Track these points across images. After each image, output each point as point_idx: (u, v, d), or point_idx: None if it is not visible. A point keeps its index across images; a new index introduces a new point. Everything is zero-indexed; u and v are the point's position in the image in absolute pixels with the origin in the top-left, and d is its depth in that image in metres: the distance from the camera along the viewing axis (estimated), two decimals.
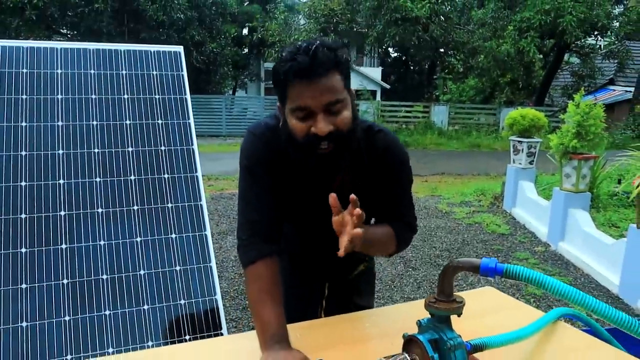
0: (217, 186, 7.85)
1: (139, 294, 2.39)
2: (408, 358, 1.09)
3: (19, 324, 2.20)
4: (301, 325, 1.48)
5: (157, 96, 2.89)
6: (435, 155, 12.38)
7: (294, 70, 1.19)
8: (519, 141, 6.32)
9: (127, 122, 2.76)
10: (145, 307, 2.38)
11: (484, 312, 1.60)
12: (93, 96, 2.77)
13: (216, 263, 2.59)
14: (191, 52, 16.36)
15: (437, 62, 21.74)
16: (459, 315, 1.13)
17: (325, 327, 1.26)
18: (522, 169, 6.38)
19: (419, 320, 1.17)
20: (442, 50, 19.42)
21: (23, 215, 2.39)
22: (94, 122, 2.70)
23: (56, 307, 2.27)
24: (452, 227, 5.65)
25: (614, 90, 18.80)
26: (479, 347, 1.18)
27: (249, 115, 17.57)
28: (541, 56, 16.96)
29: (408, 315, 1.54)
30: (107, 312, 2.32)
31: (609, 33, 16.52)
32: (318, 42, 1.22)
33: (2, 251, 2.30)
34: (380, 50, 22.76)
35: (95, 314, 2.31)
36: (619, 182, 6.81)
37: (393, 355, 1.10)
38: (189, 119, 2.87)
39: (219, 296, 2.48)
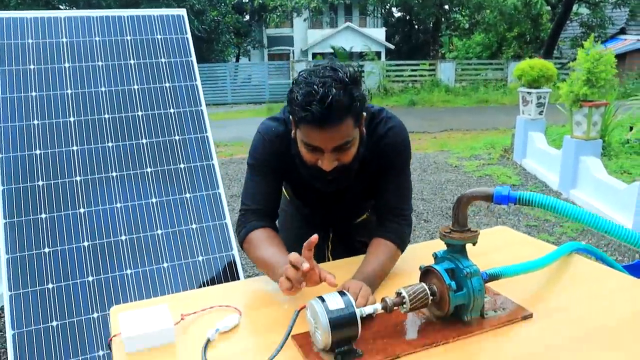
0: (226, 152, 7.88)
1: (157, 253, 2.45)
2: (426, 287, 1.12)
3: (46, 286, 2.27)
4: None
5: (163, 60, 2.89)
6: (442, 112, 12.29)
7: (308, 119, 1.20)
8: (528, 92, 6.26)
9: (135, 87, 2.77)
10: (165, 264, 2.44)
11: (497, 248, 1.63)
12: (100, 63, 2.78)
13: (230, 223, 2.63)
14: (192, 21, 16.18)
15: (441, 19, 21.35)
16: (473, 244, 1.16)
17: (335, 269, 1.29)
18: (531, 120, 6.34)
19: (434, 253, 1.20)
20: (446, 6, 19.07)
21: (40, 183, 2.43)
22: (102, 89, 2.71)
23: (79, 268, 2.34)
24: (463, 180, 5.66)
25: (625, 39, 18.40)
26: (494, 276, 1.21)
27: (253, 82, 17.47)
28: (549, 8, 16.60)
29: (419, 255, 1.57)
30: (129, 271, 2.38)
31: None
32: (334, 86, 1.18)
33: (24, 218, 2.36)
34: (383, 10, 22.40)
35: (117, 273, 2.37)
36: (631, 129, 6.75)
37: (411, 285, 1.13)
38: (195, 80, 2.88)
39: (235, 251, 2.53)
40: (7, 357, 2.15)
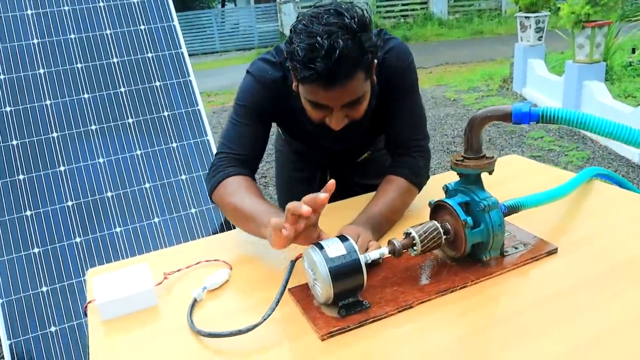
0: (217, 101, 7.64)
1: (147, 208, 2.31)
2: (438, 225, 0.98)
3: (31, 251, 2.14)
4: None
5: (135, 0, 2.66)
6: (437, 46, 11.93)
7: (312, 79, 1.01)
8: (525, 17, 5.97)
9: (108, 31, 2.55)
10: (156, 219, 2.31)
11: (511, 177, 1.49)
12: (66, 8, 2.56)
13: None
14: None
15: None
16: (490, 173, 1.01)
17: (331, 212, 1.15)
18: (530, 47, 6.08)
19: (445, 185, 1.06)
20: None
21: (14, 142, 2.27)
22: (72, 36, 2.50)
23: (65, 230, 2.21)
24: (462, 114, 5.48)
25: None
26: (514, 209, 1.07)
27: (241, 29, 16.91)
28: None
29: (428, 191, 1.43)
30: (118, 229, 2.25)
31: None
32: (340, 36, 0.98)
33: (0, 180, 2.21)
34: None
35: (106, 232, 2.24)
36: (633, 51, 6.50)
37: (421, 224, 0.99)
38: (172, 21, 2.66)
39: None
40: None
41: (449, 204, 0.99)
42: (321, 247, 0.89)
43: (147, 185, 2.35)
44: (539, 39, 6.05)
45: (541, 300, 0.92)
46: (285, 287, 0.92)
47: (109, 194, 2.30)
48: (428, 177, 1.33)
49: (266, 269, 1.11)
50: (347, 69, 1.00)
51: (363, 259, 0.90)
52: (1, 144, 2.25)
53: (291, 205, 0.91)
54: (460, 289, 0.96)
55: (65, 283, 2.14)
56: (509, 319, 0.88)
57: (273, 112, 1.27)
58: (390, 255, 0.96)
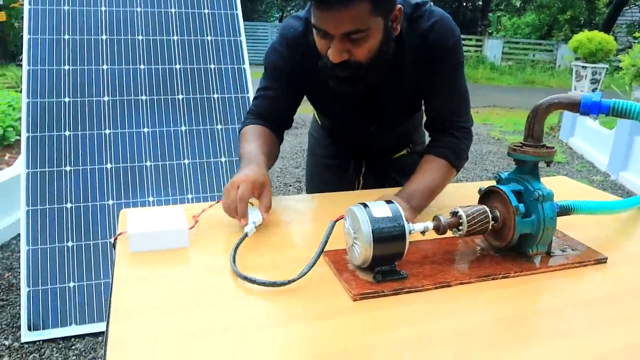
0: None
1: (182, 183, 2.32)
2: (487, 210, 0.94)
3: (64, 205, 2.17)
4: (335, 195, 1.36)
5: None
6: (486, 88, 11.86)
7: None
8: (582, 66, 5.89)
9: (173, 10, 2.61)
10: (189, 196, 2.31)
11: (559, 197, 1.43)
12: None
13: None
14: None
15: None
16: (548, 164, 0.97)
17: (363, 199, 1.13)
18: None
19: (497, 173, 1.02)
20: None
21: (67, 99, 2.32)
22: (138, 9, 2.56)
23: (100, 190, 2.23)
24: (504, 153, 5.40)
25: None
26: (566, 209, 1.03)
27: None
28: None
29: (465, 192, 1.39)
30: (151, 199, 2.26)
31: None
32: None
33: (47, 133, 2.25)
34: None
35: (139, 200, 2.25)
36: None
37: (469, 205, 0.95)
38: (236, 10, 2.70)
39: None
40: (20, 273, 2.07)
41: (501, 190, 0.95)
42: (366, 206, 0.86)
43: (186, 161, 2.36)
44: (594, 90, 5.94)
45: (584, 303, 0.87)
46: (324, 245, 0.89)
47: (148, 163, 2.31)
48: (467, 159, 1.29)
49: (301, 232, 1.09)
50: None
51: (407, 227, 0.86)
52: (54, 99, 2.30)
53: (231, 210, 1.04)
54: (501, 277, 0.91)
55: (91, 242, 2.15)
56: (548, 315, 0.83)
57: (295, 72, 1.24)
58: (434, 230, 0.92)
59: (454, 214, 0.94)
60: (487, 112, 8.43)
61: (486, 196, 1.00)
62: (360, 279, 0.87)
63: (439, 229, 0.92)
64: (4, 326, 2.14)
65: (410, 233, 0.87)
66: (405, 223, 0.86)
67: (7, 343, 2.03)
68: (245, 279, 0.86)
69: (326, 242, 0.89)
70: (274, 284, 0.84)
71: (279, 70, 1.25)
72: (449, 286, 0.88)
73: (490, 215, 0.94)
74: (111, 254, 2.17)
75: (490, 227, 0.94)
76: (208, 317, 0.77)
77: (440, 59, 1.19)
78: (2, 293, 2.36)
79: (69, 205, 2.17)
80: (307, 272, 0.86)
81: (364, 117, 1.34)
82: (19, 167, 3.12)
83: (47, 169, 2.20)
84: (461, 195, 1.34)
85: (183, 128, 2.41)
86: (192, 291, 0.84)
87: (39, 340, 2.02)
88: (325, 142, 1.62)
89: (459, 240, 1.04)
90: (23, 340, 2.00)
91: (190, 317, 0.77)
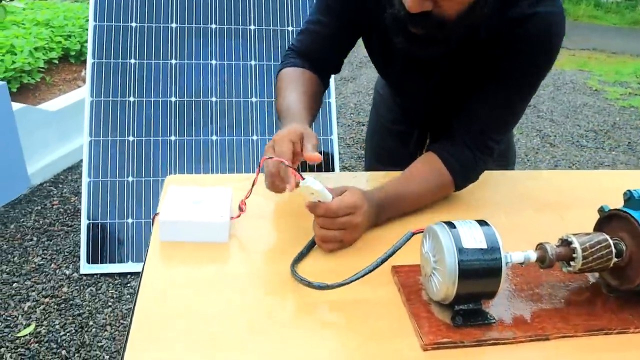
0: None
1: (249, 123, 2.18)
2: (609, 240, 0.73)
3: (126, 138, 2.09)
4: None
5: None
6: (587, 28, 10.78)
7: None
8: None
9: None
10: (255, 137, 2.17)
11: None
12: None
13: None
14: None
15: None
16: None
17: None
18: None
19: (628, 191, 0.79)
20: None
21: (133, 24, 2.18)
22: None
23: (163, 125, 2.13)
24: (602, 107, 4.87)
25: None
26: None
27: None
28: None
29: (573, 183, 1.16)
30: (214, 138, 2.14)
31: None
32: None
33: (112, 60, 2.14)
34: None
35: (202, 137, 2.14)
36: None
37: (588, 234, 0.74)
38: None
39: (335, 136, 2.20)
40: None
41: (631, 216, 0.73)
42: (453, 227, 0.67)
43: (254, 99, 2.21)
44: None
45: None
46: (390, 255, 0.71)
47: (214, 99, 2.18)
48: (475, 180, 1.02)
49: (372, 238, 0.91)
50: None
51: (504, 258, 0.67)
52: (121, 23, 2.17)
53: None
54: (617, 333, 0.71)
55: (151, 179, 2.08)
56: None
57: (354, 8, 1.00)
58: (538, 263, 0.72)
59: (566, 243, 0.73)
60: (586, 56, 7.66)
61: (607, 221, 0.78)
62: (435, 318, 0.70)
63: (544, 260, 0.72)
64: (66, 254, 2.15)
65: (507, 265, 0.68)
66: (503, 254, 0.67)
67: (67, 272, 2.04)
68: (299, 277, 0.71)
69: (392, 253, 0.71)
70: (327, 287, 0.70)
71: (330, 5, 1.02)
72: (547, 339, 0.69)
73: (614, 250, 0.72)
74: None
75: (611, 264, 0.73)
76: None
77: (523, 56, 0.92)
78: (67, 218, 2.37)
79: (131, 138, 2.09)
80: (360, 277, 0.69)
81: (420, 86, 1.11)
82: None
83: (110, 98, 2.11)
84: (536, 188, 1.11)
85: (253, 62, 2.24)
86: (223, 299, 0.70)
87: (96, 274, 2.01)
88: (389, 103, 1.38)
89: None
90: (82, 272, 2.00)
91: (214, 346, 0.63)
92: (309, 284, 0.72)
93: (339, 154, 2.72)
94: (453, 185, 0.97)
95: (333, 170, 2.18)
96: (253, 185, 0.84)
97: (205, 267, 0.79)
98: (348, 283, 0.70)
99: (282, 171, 0.81)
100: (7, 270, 2.03)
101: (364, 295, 0.74)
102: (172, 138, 2.12)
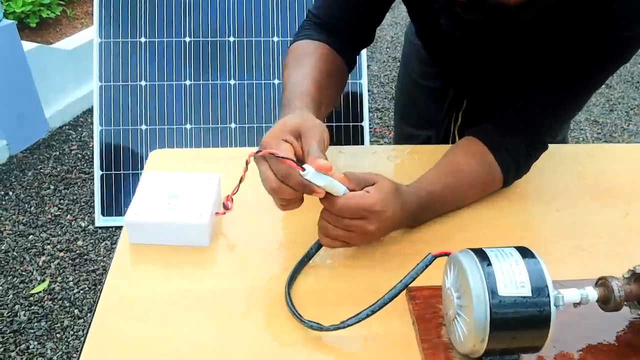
0: None
1: (270, 65, 1.98)
2: None
3: (138, 82, 1.94)
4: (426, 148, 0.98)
5: None
6: None
7: None
8: None
9: None
10: (276, 81, 1.98)
11: None
12: None
13: None
14: None
15: None
16: None
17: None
18: None
19: None
20: None
21: None
22: None
23: (177, 68, 1.96)
24: None
25: None
26: None
27: None
28: None
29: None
30: (232, 82, 1.97)
31: None
32: None
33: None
34: None
35: (219, 82, 1.97)
36: None
37: None
38: None
39: (364, 80, 1.99)
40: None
41: None
42: (486, 260, 0.50)
43: (276, 39, 2.00)
44: None
45: None
46: (402, 289, 0.56)
47: (231, 39, 1.98)
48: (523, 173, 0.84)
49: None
50: None
51: (553, 300, 0.50)
52: None
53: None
54: None
55: (166, 127, 1.94)
56: None
57: None
58: (598, 303, 0.55)
59: (637, 277, 0.55)
60: None
61: None
62: None
63: (607, 301, 0.54)
64: (82, 204, 2.07)
65: (558, 308, 0.51)
66: (553, 296, 0.50)
67: (82, 225, 1.97)
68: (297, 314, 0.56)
69: (410, 282, 0.55)
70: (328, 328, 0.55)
71: None
72: None
73: None
74: (187, 142, 1.96)
75: None
76: None
77: (598, 37, 0.70)
78: (85, 165, 2.28)
79: (143, 83, 1.94)
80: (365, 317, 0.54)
81: (464, 52, 0.91)
82: None
83: (120, 39, 1.94)
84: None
85: None
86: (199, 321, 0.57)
87: (112, 227, 1.93)
88: (422, 54, 1.14)
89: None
90: (97, 224, 1.92)
91: None
92: (301, 320, 0.57)
93: (372, 93, 2.51)
94: (501, 184, 0.80)
95: (362, 118, 1.98)
96: (240, 182, 0.67)
97: (179, 279, 0.65)
98: (344, 327, 0.55)
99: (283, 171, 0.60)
100: (23, 221, 1.97)
101: (370, 329, 0.58)
102: (187, 82, 1.95)
